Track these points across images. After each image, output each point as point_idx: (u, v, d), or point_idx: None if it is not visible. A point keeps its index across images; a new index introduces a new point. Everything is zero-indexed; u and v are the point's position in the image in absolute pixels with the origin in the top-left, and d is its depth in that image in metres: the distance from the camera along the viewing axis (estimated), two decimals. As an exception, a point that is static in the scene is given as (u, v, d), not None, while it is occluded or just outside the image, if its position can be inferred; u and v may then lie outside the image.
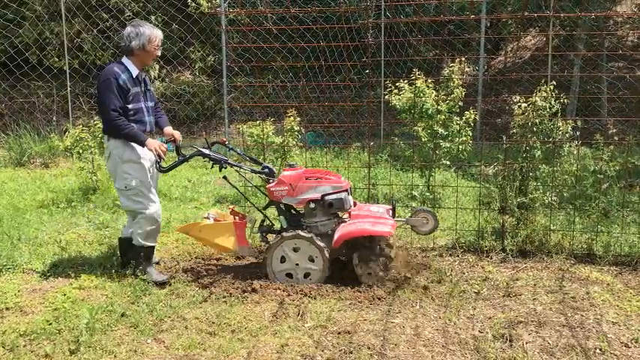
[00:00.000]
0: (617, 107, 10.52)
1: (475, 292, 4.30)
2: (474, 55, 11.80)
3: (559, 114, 5.27)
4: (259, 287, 4.32)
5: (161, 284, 4.44)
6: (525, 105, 5.24)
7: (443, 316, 3.90)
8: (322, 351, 3.44)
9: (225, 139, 4.98)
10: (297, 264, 4.40)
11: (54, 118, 11.41)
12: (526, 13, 5.41)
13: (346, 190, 4.50)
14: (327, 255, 4.35)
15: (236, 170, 4.71)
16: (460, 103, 6.67)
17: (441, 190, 6.89)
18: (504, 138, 5.37)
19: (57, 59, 11.44)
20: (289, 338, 3.59)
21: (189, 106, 12.19)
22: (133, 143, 4.41)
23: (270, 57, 10.92)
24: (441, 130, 6.59)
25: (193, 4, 10.44)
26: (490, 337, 3.59)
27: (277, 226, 4.75)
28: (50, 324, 3.78)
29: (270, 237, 4.64)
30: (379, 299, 4.15)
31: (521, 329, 3.67)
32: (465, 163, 7.64)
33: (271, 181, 4.58)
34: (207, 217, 4.71)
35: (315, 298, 4.16)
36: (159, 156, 4.47)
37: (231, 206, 4.95)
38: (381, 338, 3.58)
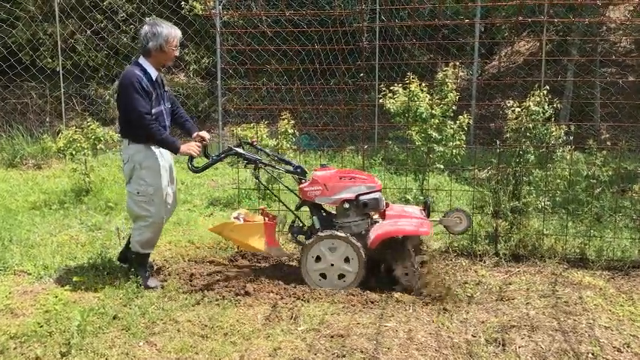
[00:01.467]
0: (610, 112, 10.57)
1: (468, 296, 4.30)
2: (468, 59, 11.84)
3: (552, 119, 5.29)
4: (252, 290, 4.30)
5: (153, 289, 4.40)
6: (519, 110, 5.26)
7: (436, 320, 3.90)
8: (315, 354, 3.43)
9: (254, 140, 4.89)
10: (332, 264, 4.36)
11: (47, 119, 11.35)
12: (520, 18, 5.42)
13: (379, 190, 4.48)
14: (364, 256, 4.31)
15: (268, 171, 4.67)
16: (454, 107, 6.69)
17: (435, 193, 6.90)
18: (497, 142, 5.38)
19: (50, 60, 11.39)
20: (282, 341, 3.58)
21: (184, 108, 12.13)
22: (154, 149, 4.35)
23: (265, 60, 10.89)
24: (434, 134, 6.60)
25: (187, 6, 10.41)
26: (483, 342, 3.59)
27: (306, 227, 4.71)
28: (41, 326, 3.75)
29: (301, 238, 4.61)
30: (372, 303, 4.15)
31: (514, 333, 3.67)
32: (458, 167, 7.65)
33: (304, 181, 4.56)
34: (237, 218, 4.66)
35: (308, 302, 4.15)
36: (191, 157, 4.43)
37: (262, 206, 4.90)
38: (374, 342, 3.57)
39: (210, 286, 4.42)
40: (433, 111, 6.59)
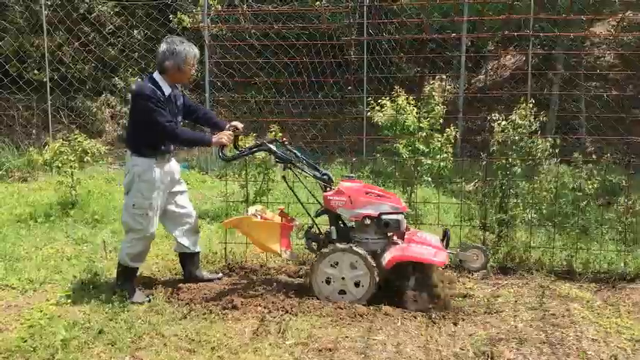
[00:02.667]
0: (595, 126, 10.68)
1: (456, 309, 4.29)
2: (455, 73, 11.94)
3: (538, 132, 5.34)
4: (240, 304, 4.27)
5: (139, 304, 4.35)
6: (505, 123, 5.31)
7: (424, 333, 3.89)
8: (303, 369, 3.41)
9: (285, 139, 4.88)
10: (342, 277, 4.31)
11: (33, 132, 11.28)
12: (506, 32, 5.49)
13: (403, 213, 4.43)
14: (376, 278, 4.26)
15: (296, 173, 4.65)
16: (441, 121, 6.73)
17: (422, 206, 6.91)
18: (482, 155, 5.41)
19: (37, 72, 11.34)
20: (270, 356, 3.55)
21: (171, 120, 12.13)
22: (156, 163, 4.35)
23: (253, 72, 10.93)
24: (422, 147, 6.63)
25: (175, 19, 10.43)
26: (471, 355, 3.58)
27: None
28: (25, 341, 3.69)
29: (315, 245, 4.56)
30: (361, 316, 4.12)
31: (502, 346, 3.67)
32: (446, 180, 7.68)
33: (329, 189, 4.53)
34: (255, 215, 4.59)
35: (296, 315, 4.12)
36: (223, 145, 4.42)
37: (281, 207, 4.87)
38: (362, 355, 3.55)
39: (197, 299, 4.39)
40: (420, 124, 6.62)
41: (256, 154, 5.31)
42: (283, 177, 4.67)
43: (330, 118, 11.05)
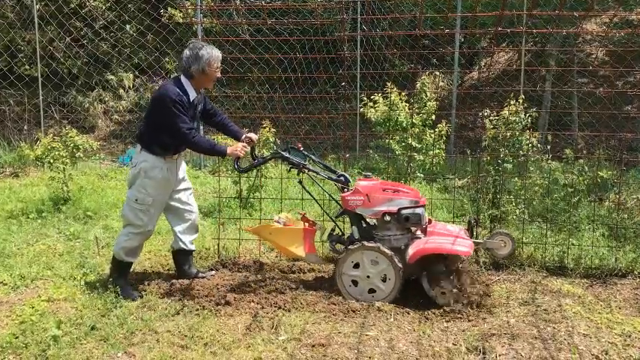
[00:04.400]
0: (587, 122, 10.73)
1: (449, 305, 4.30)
2: (448, 69, 11.95)
3: (530, 128, 5.36)
4: (233, 300, 4.27)
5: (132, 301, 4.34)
6: (496, 119, 5.32)
7: (417, 328, 3.90)
8: (296, 364, 3.41)
9: (300, 145, 4.89)
10: (368, 276, 4.30)
11: (25, 127, 11.20)
12: (499, 29, 5.50)
13: (423, 206, 4.41)
14: (401, 277, 4.24)
15: (312, 176, 4.66)
16: (433, 117, 6.74)
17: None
18: (469, 152, 5.43)
19: (28, 67, 11.26)
20: (263, 351, 3.55)
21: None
22: (164, 161, 4.37)
23: (247, 68, 10.89)
24: (414, 143, 6.64)
25: (166, 14, 10.38)
26: (464, 350, 3.60)
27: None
28: (17, 337, 3.68)
29: (339, 246, 4.55)
30: (354, 312, 4.13)
31: (495, 342, 3.69)
32: (438, 176, 7.70)
33: (346, 190, 4.52)
34: (278, 221, 4.61)
35: (289, 311, 4.13)
36: (238, 157, 4.45)
37: (302, 212, 4.87)
38: (355, 351, 3.56)
39: (190, 295, 4.39)
40: (413, 120, 6.63)
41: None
42: (300, 182, 4.67)
43: (324, 114, 11.04)
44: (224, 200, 6.67)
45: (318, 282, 4.73)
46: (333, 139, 10.87)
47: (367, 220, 4.56)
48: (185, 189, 4.71)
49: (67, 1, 11.73)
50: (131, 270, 4.93)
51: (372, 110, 6.96)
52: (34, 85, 10.82)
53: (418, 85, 6.84)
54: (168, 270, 5.03)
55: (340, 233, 4.67)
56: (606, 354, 3.56)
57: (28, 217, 6.48)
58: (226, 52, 10.71)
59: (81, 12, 11.88)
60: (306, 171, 4.54)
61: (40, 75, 10.38)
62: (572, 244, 5.21)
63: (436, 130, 6.75)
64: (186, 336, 3.75)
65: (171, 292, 4.47)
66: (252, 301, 4.28)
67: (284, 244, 4.51)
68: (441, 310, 4.15)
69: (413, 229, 4.43)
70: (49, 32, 11.65)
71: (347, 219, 4.63)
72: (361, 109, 7.18)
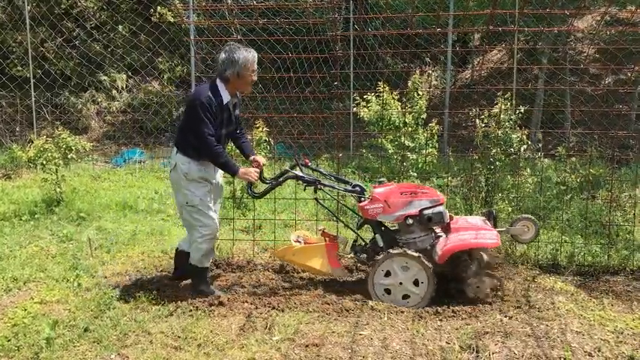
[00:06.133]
0: (579, 120, 10.76)
1: (443, 303, 4.31)
2: (441, 68, 11.97)
3: (521, 126, 5.37)
4: (226, 300, 4.26)
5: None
6: (487, 117, 5.34)
7: (411, 327, 3.91)
8: (290, 364, 3.41)
9: (308, 160, 4.87)
10: (400, 283, 4.27)
11: (17, 129, 11.15)
12: (491, 27, 5.51)
13: (443, 204, 4.39)
14: (434, 279, 4.22)
15: (327, 192, 4.63)
16: (424, 116, 6.74)
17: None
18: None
19: (20, 68, 11.21)
20: (256, 352, 3.55)
21: (157, 116, 12.06)
22: (200, 162, 4.36)
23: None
24: (407, 142, 6.64)
25: (157, 14, 10.35)
26: (457, 348, 3.61)
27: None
28: (9, 340, 3.67)
29: (364, 257, 4.52)
30: (347, 311, 4.14)
31: (488, 340, 3.69)
32: (431, 175, 7.70)
33: (363, 199, 4.49)
34: (298, 241, 4.62)
35: (283, 311, 4.13)
36: (250, 182, 4.44)
37: (321, 227, 4.86)
38: (349, 350, 3.56)
39: (183, 296, 4.37)
40: (405, 119, 6.64)
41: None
42: (316, 199, 4.66)
43: (317, 113, 11.03)
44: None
45: (312, 282, 4.74)
46: (327, 138, 10.87)
47: (389, 225, 4.53)
48: (218, 198, 4.67)
49: (59, 2, 11.69)
50: (124, 271, 4.93)
51: (365, 110, 6.97)
52: (26, 87, 10.77)
53: (410, 83, 6.84)
54: (161, 271, 5.02)
55: (363, 244, 4.63)
56: (599, 351, 3.58)
57: (21, 219, 6.45)
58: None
59: (72, 12, 11.83)
60: (322, 187, 4.51)
61: (32, 76, 10.34)
62: (565, 242, 5.23)
63: (428, 128, 6.75)
64: (179, 337, 3.74)
65: (164, 293, 4.45)
66: (246, 302, 4.28)
67: (309, 262, 4.50)
68: (435, 309, 4.15)
69: (436, 228, 4.41)
70: (41, 33, 11.60)
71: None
72: (354, 109, 7.18)
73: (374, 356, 3.51)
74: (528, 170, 5.47)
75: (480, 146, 5.38)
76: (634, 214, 5.50)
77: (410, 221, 4.33)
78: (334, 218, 6.04)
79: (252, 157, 4.65)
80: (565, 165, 5.39)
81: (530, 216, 4.64)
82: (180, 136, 4.45)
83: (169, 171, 4.55)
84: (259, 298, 4.33)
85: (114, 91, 12.54)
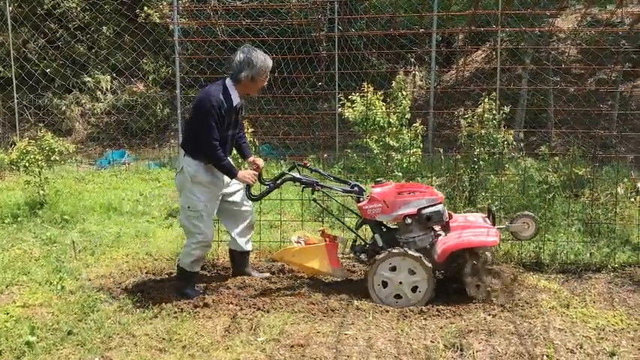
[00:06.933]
0: (562, 119, 10.87)
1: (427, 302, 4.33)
2: (426, 68, 12.02)
3: (505, 126, 5.42)
4: (211, 302, 4.25)
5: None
6: (471, 117, 5.38)
7: (395, 326, 3.92)
8: (275, 365, 3.41)
9: (306, 162, 4.86)
10: (400, 282, 4.24)
11: (-1, 131, 11.05)
12: (473, 27, 5.56)
13: (441, 202, 4.39)
14: (434, 283, 4.21)
15: (326, 192, 4.62)
16: (408, 116, 6.77)
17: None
18: (441, 151, 5.48)
19: (2, 69, 11.09)
20: (241, 353, 3.55)
21: (142, 117, 12.00)
22: (207, 165, 4.33)
23: (225, 68, 10.83)
24: (392, 142, 6.67)
25: (142, 14, 10.30)
26: (441, 347, 3.63)
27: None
28: (-9, 344, 3.63)
29: (364, 256, 4.51)
30: (333, 311, 4.14)
31: (472, 338, 3.72)
32: (416, 174, 7.74)
33: (362, 199, 4.48)
34: (298, 242, 4.61)
35: (268, 312, 4.12)
36: (248, 184, 4.42)
37: (321, 228, 4.82)
38: (334, 350, 3.57)
39: (168, 298, 4.35)
40: (390, 119, 6.66)
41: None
42: (314, 199, 4.66)
43: (303, 114, 11.04)
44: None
45: (298, 282, 4.74)
46: (313, 139, 10.88)
47: (388, 225, 4.53)
48: (236, 191, 4.65)
49: (41, 2, 11.59)
50: (108, 273, 4.91)
51: (350, 110, 6.99)
52: (8, 88, 10.68)
53: (394, 83, 6.87)
54: (146, 273, 4.99)
55: (363, 243, 4.63)
56: (581, 348, 3.62)
57: (4, 222, 6.39)
58: (204, 52, 10.68)
59: (55, 13, 11.73)
60: (320, 188, 4.51)
61: (14, 77, 10.24)
62: (548, 240, 5.28)
63: (412, 128, 6.79)
64: (164, 339, 3.73)
65: (149, 295, 4.43)
66: (231, 303, 4.27)
67: (309, 263, 4.50)
68: (420, 308, 4.17)
69: (435, 227, 4.42)
70: (23, 34, 11.51)
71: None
72: (339, 109, 7.20)
73: (359, 356, 3.52)
74: (512, 169, 5.51)
75: (463, 146, 5.41)
76: (615, 212, 5.57)
77: (409, 220, 4.33)
78: (320, 219, 6.06)
79: (250, 159, 4.64)
80: (548, 164, 5.44)
81: (530, 213, 4.65)
82: (188, 139, 4.40)
83: (175, 174, 4.54)
84: (244, 299, 4.33)
85: (98, 93, 12.46)
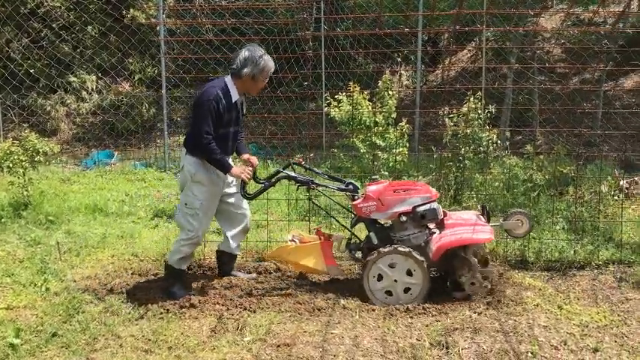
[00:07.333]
0: (547, 118, 10.96)
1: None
2: (412, 68, 12.06)
3: (490, 125, 5.46)
4: (198, 302, 4.24)
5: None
6: (456, 116, 5.41)
7: (382, 325, 3.94)
8: (261, 365, 3.41)
9: (301, 159, 4.86)
10: (395, 280, 4.25)
11: (-17, 131, 10.93)
12: (458, 27, 5.59)
13: (436, 200, 4.39)
14: (427, 290, 4.22)
15: (321, 191, 4.61)
16: (394, 115, 6.79)
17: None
18: (434, 149, 5.51)
19: (-15, 69, 10.99)
20: (227, 353, 3.54)
21: (128, 117, 11.93)
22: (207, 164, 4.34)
23: (211, 68, 10.81)
24: (378, 142, 6.69)
25: (129, 15, 10.24)
26: (427, 345, 3.65)
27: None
28: (-26, 347, 3.59)
29: (359, 255, 4.51)
30: (319, 310, 4.15)
31: (457, 336, 3.74)
32: (402, 174, 7.77)
33: (357, 197, 4.47)
34: (293, 240, 4.61)
35: (254, 312, 4.12)
36: (243, 182, 4.40)
37: (316, 227, 4.82)
38: (320, 350, 3.58)
39: (154, 299, 4.33)
40: (376, 119, 6.68)
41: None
42: (309, 198, 4.65)
43: (290, 113, 11.04)
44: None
45: (284, 282, 4.74)
46: (300, 138, 10.88)
47: (383, 223, 4.54)
48: (237, 192, 4.65)
49: (25, 2, 11.48)
50: (94, 274, 4.87)
51: (337, 109, 7.00)
52: (-9, 88, 10.56)
53: (380, 83, 6.89)
54: (132, 274, 4.96)
55: (358, 242, 4.63)
56: (565, 344, 3.65)
57: (-13, 224, 6.33)
58: (190, 52, 10.64)
59: (39, 13, 11.62)
60: (315, 187, 4.51)
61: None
62: (533, 238, 5.32)
63: (398, 128, 6.82)
64: (150, 340, 3.72)
65: (135, 296, 4.41)
66: (218, 303, 4.26)
67: (304, 261, 4.50)
68: (406, 307, 4.19)
69: (430, 224, 4.42)
70: (7, 33, 11.39)
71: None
72: (325, 109, 7.21)
73: (345, 355, 3.53)
74: (497, 168, 5.54)
75: (449, 145, 5.44)
76: (599, 209, 5.62)
77: (404, 218, 4.34)
78: (307, 218, 6.06)
79: (246, 157, 4.65)
80: (532, 163, 5.48)
81: (523, 210, 4.69)
82: (188, 137, 4.44)
83: (177, 173, 4.54)
84: (231, 300, 4.32)
85: (83, 93, 12.37)
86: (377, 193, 4.38)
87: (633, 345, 3.66)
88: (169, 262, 4.48)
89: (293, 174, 4.54)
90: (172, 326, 3.90)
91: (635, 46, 9.29)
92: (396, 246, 4.23)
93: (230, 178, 4.56)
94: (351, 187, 4.58)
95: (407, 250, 4.20)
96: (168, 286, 4.48)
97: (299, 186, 4.58)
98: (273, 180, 4.57)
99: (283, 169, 4.69)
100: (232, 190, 4.64)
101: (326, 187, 4.60)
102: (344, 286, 4.58)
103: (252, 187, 4.62)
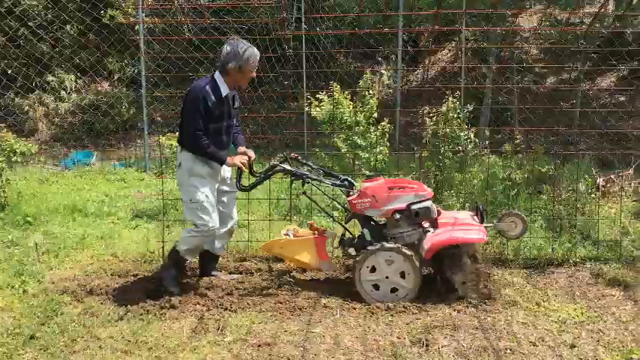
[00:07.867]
0: (525, 118, 11.08)
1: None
2: (393, 67, 12.10)
3: (469, 124, 5.51)
4: (178, 303, 4.22)
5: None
6: (435, 115, 5.45)
7: (362, 323, 3.95)
8: (242, 365, 3.41)
9: (297, 154, 4.85)
10: (386, 277, 4.25)
11: (-41, 132, 10.74)
12: (437, 27, 5.64)
13: (430, 199, 4.40)
14: (416, 261, 4.21)
15: (315, 185, 4.60)
16: (375, 115, 6.81)
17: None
18: (414, 148, 5.54)
19: (-39, 69, 10.81)
20: (208, 354, 3.54)
21: (107, 117, 11.81)
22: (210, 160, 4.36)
23: (192, 67, 10.75)
24: (359, 141, 6.71)
25: (107, 14, 10.14)
26: (408, 343, 3.67)
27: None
28: (-50, 351, 3.54)
29: (352, 250, 4.50)
30: (300, 309, 4.16)
31: (437, 333, 3.78)
32: (383, 173, 7.79)
33: (352, 193, 4.47)
34: (287, 234, 4.59)
35: (235, 312, 4.12)
36: (239, 174, 4.40)
37: (310, 221, 4.79)
38: (301, 349, 3.59)
39: (133, 300, 4.30)
40: (357, 118, 6.70)
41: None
42: (304, 192, 4.64)
43: (271, 113, 11.02)
44: (169, 202, 6.58)
45: (265, 281, 4.74)
46: (281, 138, 10.87)
47: (377, 219, 4.55)
48: (230, 192, 4.67)
49: (1, 0, 11.30)
50: (72, 276, 4.83)
51: (317, 109, 7.00)
52: (-32, 88, 10.39)
53: (361, 82, 6.91)
54: (111, 274, 4.92)
55: (351, 238, 4.63)
56: (542, 340, 3.71)
57: (-37, 225, 6.23)
58: (170, 51, 10.57)
59: (16, 11, 11.45)
60: (310, 181, 4.51)
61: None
62: (512, 236, 5.37)
63: (379, 127, 6.85)
64: (129, 341, 3.69)
65: (114, 297, 4.38)
66: (198, 304, 4.25)
67: (296, 255, 4.50)
68: (386, 305, 4.21)
69: (424, 222, 4.43)
70: (-17, 32, 11.21)
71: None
72: (306, 108, 7.21)
73: (326, 353, 3.54)
74: (476, 167, 5.59)
75: (428, 144, 5.48)
76: (576, 208, 5.70)
77: (398, 216, 4.34)
78: (288, 218, 6.06)
79: (242, 149, 4.66)
80: (511, 161, 5.54)
81: (518, 212, 4.71)
82: (182, 133, 4.44)
83: (175, 170, 4.57)
84: (212, 300, 4.31)
85: (62, 92, 12.22)
86: (372, 190, 4.40)
87: (609, 340, 3.72)
88: (177, 247, 4.49)
89: (289, 167, 4.55)
90: (152, 327, 3.88)
91: (612, 46, 9.44)
92: (399, 246, 4.25)
93: (226, 174, 4.60)
94: (346, 183, 4.60)
95: (409, 253, 4.22)
96: (166, 268, 4.51)
97: (294, 180, 4.58)
98: (270, 173, 4.58)
99: (279, 162, 4.69)
100: (226, 188, 4.65)
101: (321, 181, 4.61)
102: (325, 286, 4.59)
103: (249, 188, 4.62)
